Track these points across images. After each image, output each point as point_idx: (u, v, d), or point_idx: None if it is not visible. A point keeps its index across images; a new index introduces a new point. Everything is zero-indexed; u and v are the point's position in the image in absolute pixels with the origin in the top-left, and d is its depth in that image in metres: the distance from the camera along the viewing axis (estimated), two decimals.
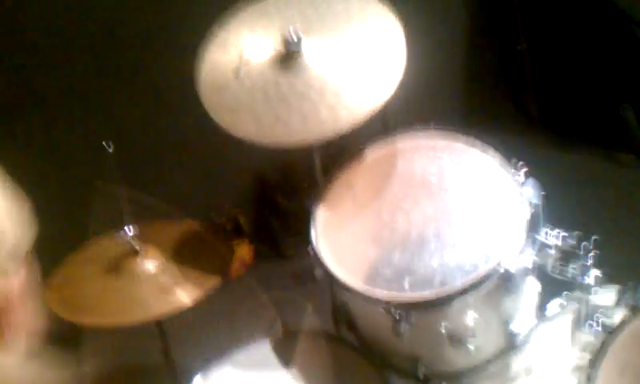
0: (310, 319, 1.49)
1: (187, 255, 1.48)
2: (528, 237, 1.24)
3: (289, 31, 1.34)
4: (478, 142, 1.41)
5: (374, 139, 1.48)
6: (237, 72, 1.39)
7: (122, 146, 1.45)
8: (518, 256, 1.21)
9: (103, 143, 1.35)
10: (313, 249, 1.32)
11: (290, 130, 1.30)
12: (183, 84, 1.47)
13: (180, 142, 2.22)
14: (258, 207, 2.43)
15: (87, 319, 1.38)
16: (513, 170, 1.33)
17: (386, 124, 1.66)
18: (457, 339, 1.24)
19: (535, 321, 1.35)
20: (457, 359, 1.29)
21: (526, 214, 1.25)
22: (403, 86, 1.35)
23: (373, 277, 1.27)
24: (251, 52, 1.41)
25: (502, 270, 1.20)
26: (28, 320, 0.61)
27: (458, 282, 1.19)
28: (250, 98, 1.35)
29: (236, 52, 1.41)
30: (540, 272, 1.31)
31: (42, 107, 2.05)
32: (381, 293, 1.22)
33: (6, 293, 0.58)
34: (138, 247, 1.43)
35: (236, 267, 2.28)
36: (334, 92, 1.32)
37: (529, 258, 1.24)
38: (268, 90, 1.35)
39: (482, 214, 1.31)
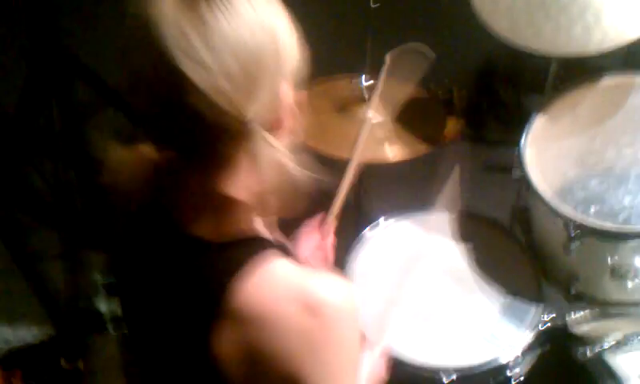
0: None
1: (407, 117, 1.65)
2: None
3: None
4: None
5: (613, 68, 1.51)
6: None
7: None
8: None
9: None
10: (519, 151, 1.45)
11: (540, 37, 1.39)
12: None
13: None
14: (476, 89, 2.53)
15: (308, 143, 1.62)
16: None
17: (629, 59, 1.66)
18: (618, 274, 1.34)
19: None
20: (610, 290, 1.39)
21: None
22: None
23: (564, 193, 1.38)
24: None
25: None
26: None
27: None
28: None
29: None
30: None
31: None
32: (566, 209, 1.34)
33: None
34: (367, 96, 1.63)
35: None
36: (595, 14, 1.37)
37: None
38: None
39: None
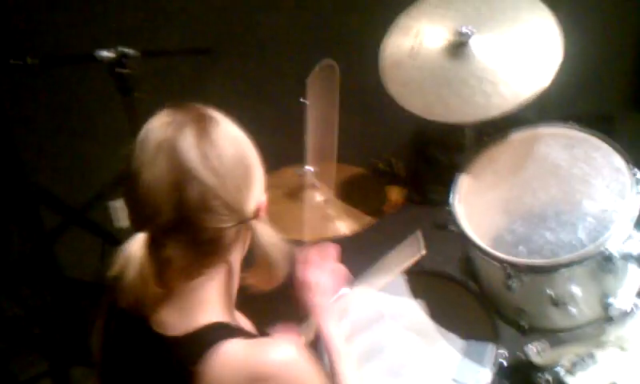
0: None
1: (350, 194, 1.83)
2: (636, 228, 1.46)
3: (462, 27, 1.62)
4: (609, 141, 1.62)
5: (521, 123, 1.73)
6: (411, 53, 1.71)
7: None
8: (622, 243, 1.44)
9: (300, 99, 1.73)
10: (450, 209, 1.64)
11: (448, 110, 1.60)
12: (371, 56, 1.80)
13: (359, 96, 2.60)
14: (413, 157, 2.76)
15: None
16: (633, 170, 1.54)
17: (537, 113, 1.89)
18: (558, 302, 1.50)
19: (635, 300, 1.56)
20: (556, 318, 1.55)
21: (638, 208, 1.47)
22: (555, 82, 1.58)
23: (497, 239, 1.56)
24: (426, 38, 1.71)
25: (605, 252, 1.43)
26: None
27: (566, 256, 1.45)
28: (419, 77, 1.67)
29: (414, 36, 1.72)
30: None
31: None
32: (500, 253, 1.51)
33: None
34: (315, 183, 1.79)
35: (387, 207, 2.65)
36: (491, 82, 1.60)
37: (633, 246, 1.46)
38: (435, 72, 1.66)
39: (600, 202, 1.54)
